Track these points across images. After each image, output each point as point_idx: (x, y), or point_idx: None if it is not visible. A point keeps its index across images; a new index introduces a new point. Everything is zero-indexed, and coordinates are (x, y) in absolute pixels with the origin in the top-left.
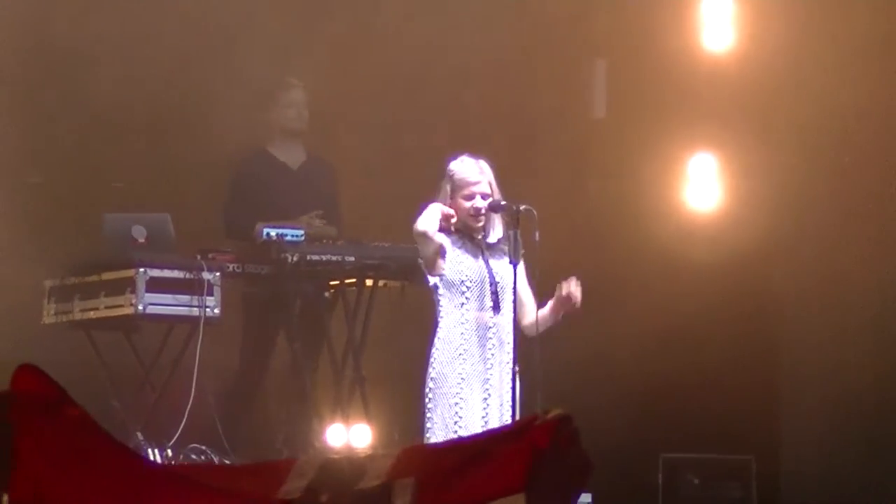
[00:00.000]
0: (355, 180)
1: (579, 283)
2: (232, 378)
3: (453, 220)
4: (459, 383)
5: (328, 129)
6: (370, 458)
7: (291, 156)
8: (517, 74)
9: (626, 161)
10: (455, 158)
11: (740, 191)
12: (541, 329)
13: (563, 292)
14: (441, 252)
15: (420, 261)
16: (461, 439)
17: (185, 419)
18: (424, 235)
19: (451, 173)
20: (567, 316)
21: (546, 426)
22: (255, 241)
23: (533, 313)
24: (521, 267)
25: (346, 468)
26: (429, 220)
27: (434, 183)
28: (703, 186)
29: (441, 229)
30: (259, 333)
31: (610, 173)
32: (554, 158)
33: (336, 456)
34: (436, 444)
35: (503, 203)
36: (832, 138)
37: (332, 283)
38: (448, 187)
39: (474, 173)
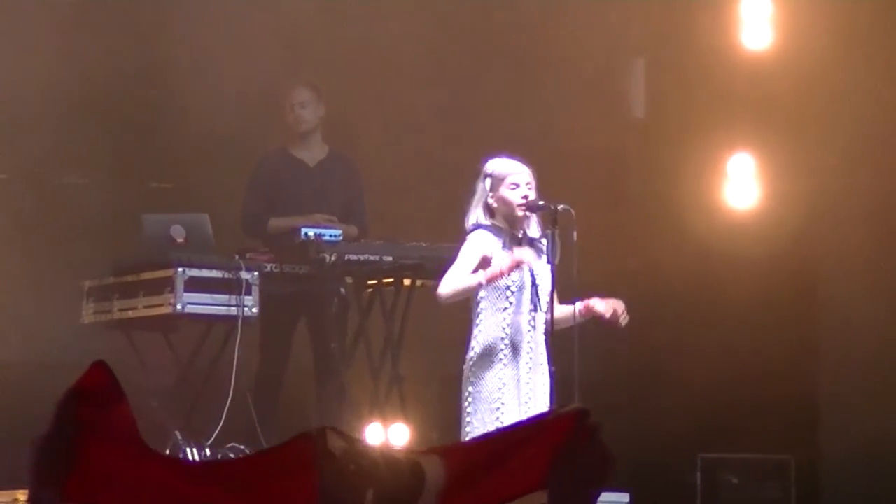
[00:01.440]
0: (391, 180)
1: (625, 310)
2: (254, 377)
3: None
4: (500, 388)
5: (359, 127)
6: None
7: (310, 153)
8: (557, 73)
9: (665, 160)
10: (489, 159)
11: (779, 190)
12: (556, 327)
13: (607, 315)
14: (489, 260)
15: None
16: (485, 436)
17: (223, 419)
18: (442, 299)
19: (488, 170)
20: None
21: (563, 421)
22: (268, 238)
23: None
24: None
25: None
26: (454, 290)
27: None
28: (741, 185)
29: (487, 227)
30: (277, 331)
31: (649, 173)
32: (593, 158)
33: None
34: (462, 443)
35: (541, 203)
36: (872, 137)
37: (369, 282)
38: (487, 184)
39: (516, 166)
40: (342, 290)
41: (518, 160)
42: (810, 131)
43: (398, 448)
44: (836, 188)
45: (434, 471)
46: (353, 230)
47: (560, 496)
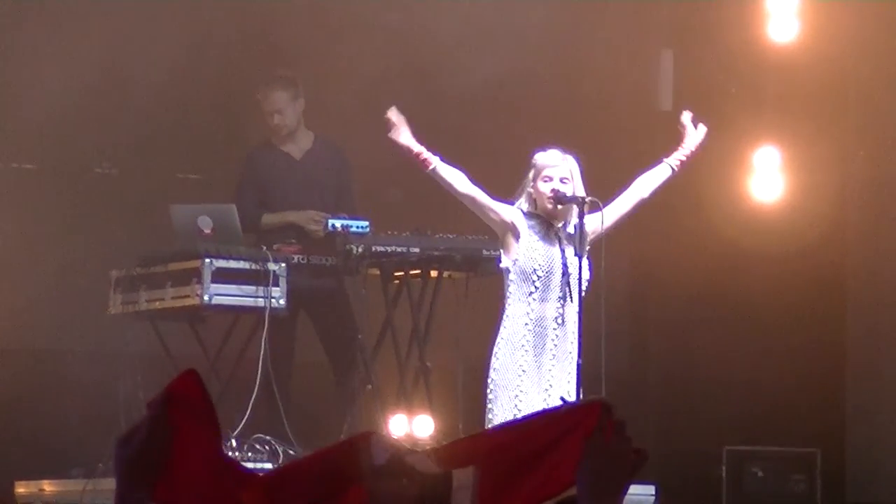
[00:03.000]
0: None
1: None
2: (309, 371)
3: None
4: (520, 375)
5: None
6: (438, 448)
7: (296, 145)
8: (585, 66)
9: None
10: (541, 150)
11: (805, 183)
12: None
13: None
14: (515, 233)
15: (486, 252)
16: (513, 427)
17: (249, 410)
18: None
19: (534, 161)
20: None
21: (588, 415)
22: (262, 233)
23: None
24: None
25: (413, 457)
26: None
27: (504, 176)
28: (767, 179)
29: (524, 212)
30: (283, 323)
31: None
32: (620, 150)
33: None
34: (492, 434)
35: (568, 195)
36: None
37: (396, 274)
38: (531, 174)
39: (555, 159)
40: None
41: (562, 152)
42: (837, 124)
43: (432, 456)
44: (863, 181)
45: (465, 479)
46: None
47: (588, 492)
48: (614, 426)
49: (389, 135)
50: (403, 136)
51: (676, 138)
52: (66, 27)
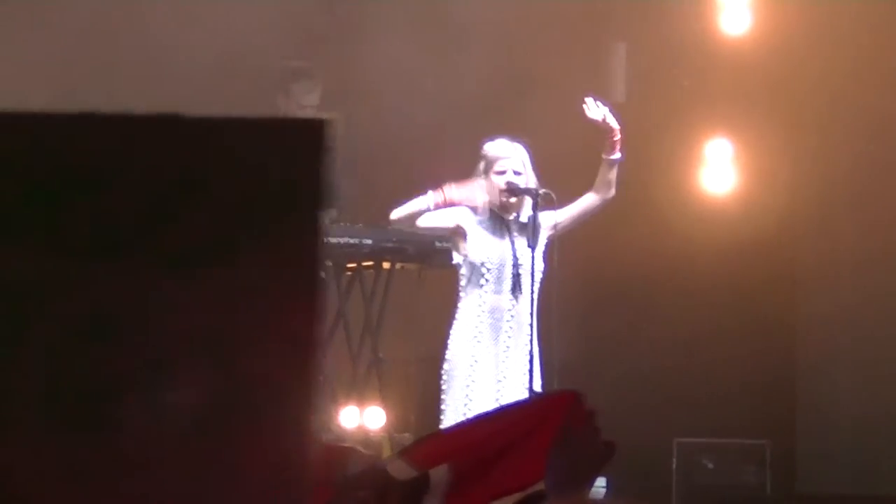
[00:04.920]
0: (377, 165)
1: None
2: None
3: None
4: (472, 365)
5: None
6: (408, 448)
7: None
8: (536, 58)
9: (643, 145)
10: (490, 140)
11: (756, 175)
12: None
13: (600, 118)
14: (462, 234)
15: (438, 244)
16: (487, 420)
17: None
18: (399, 223)
19: (484, 152)
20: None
21: (560, 406)
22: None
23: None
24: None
25: (389, 464)
26: (400, 212)
27: (453, 165)
28: (719, 170)
29: (473, 207)
30: None
31: (628, 157)
32: (573, 142)
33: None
34: (466, 429)
35: (522, 187)
36: (852, 122)
37: (349, 265)
38: (482, 165)
39: (506, 150)
40: (358, 277)
41: (512, 142)
42: (788, 116)
43: (406, 458)
44: (814, 172)
45: (440, 477)
46: (333, 213)
47: (556, 484)
48: (585, 418)
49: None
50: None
51: (632, 137)
52: None
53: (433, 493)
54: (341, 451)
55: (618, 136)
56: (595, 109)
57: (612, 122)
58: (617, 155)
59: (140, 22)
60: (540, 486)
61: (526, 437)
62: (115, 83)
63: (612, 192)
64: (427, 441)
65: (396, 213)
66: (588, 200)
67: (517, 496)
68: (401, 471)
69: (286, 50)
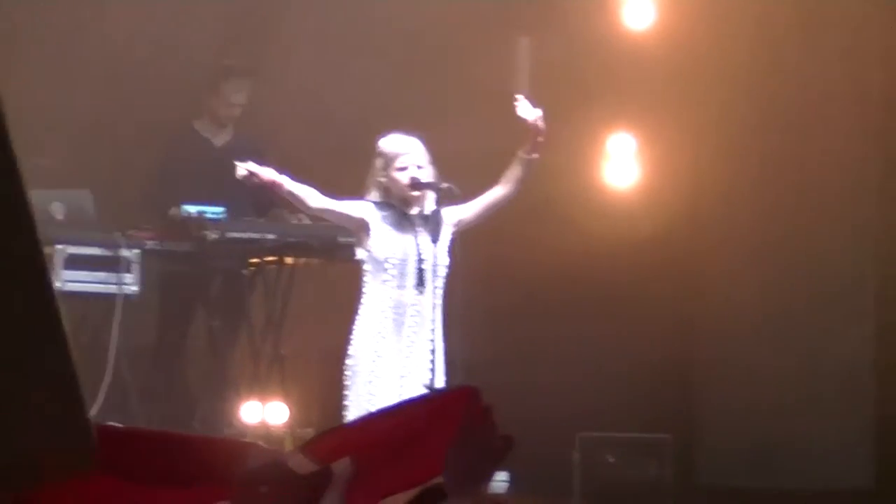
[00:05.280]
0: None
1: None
2: (149, 356)
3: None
4: (374, 361)
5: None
6: (308, 443)
7: (218, 133)
8: (440, 51)
9: (547, 139)
10: (384, 136)
11: (659, 169)
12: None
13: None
14: (366, 228)
15: (341, 239)
16: (387, 415)
17: (101, 397)
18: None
19: (380, 149)
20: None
21: (457, 402)
22: (172, 219)
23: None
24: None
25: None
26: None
27: (363, 168)
28: (622, 165)
29: (375, 202)
30: (176, 311)
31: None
32: (476, 136)
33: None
34: (366, 423)
35: (426, 181)
36: (755, 118)
37: (252, 260)
38: (380, 163)
39: (406, 145)
40: (244, 270)
41: (411, 137)
42: (691, 111)
43: (306, 453)
44: (716, 168)
45: (342, 471)
46: (283, 216)
47: (455, 479)
48: (482, 413)
49: (253, 179)
50: (266, 173)
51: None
52: None
53: (334, 486)
54: (241, 447)
55: (542, 139)
56: (527, 109)
57: (541, 122)
58: (535, 155)
59: (70, 17)
60: (438, 481)
61: (425, 432)
62: (41, 74)
63: (518, 188)
64: (328, 435)
65: (314, 203)
66: (494, 195)
67: (415, 491)
68: (301, 465)
69: (220, 46)
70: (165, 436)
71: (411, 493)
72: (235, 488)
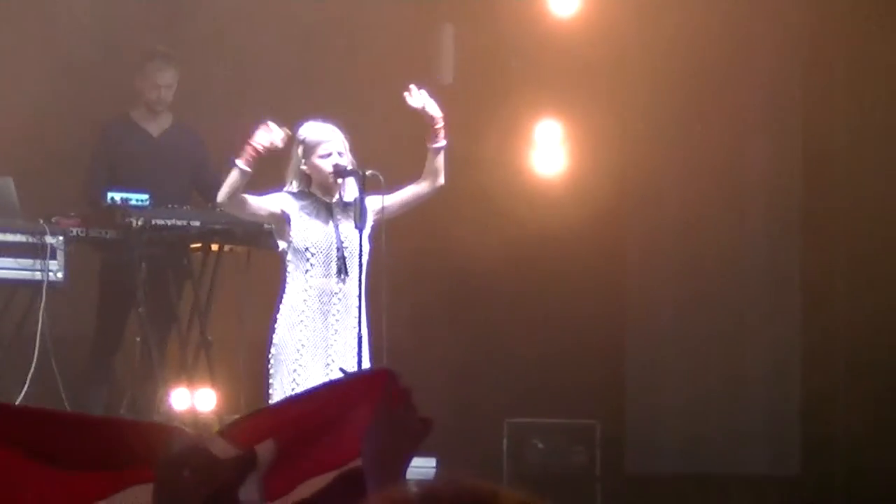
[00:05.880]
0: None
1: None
2: (87, 344)
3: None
4: (299, 350)
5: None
6: (229, 427)
7: (154, 123)
8: (364, 38)
9: (472, 126)
10: (302, 124)
11: (586, 156)
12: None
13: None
14: (286, 220)
15: (266, 226)
16: (303, 399)
17: (27, 384)
18: (225, 206)
19: (300, 137)
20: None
21: (374, 384)
22: (97, 206)
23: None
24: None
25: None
26: (222, 192)
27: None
28: (548, 152)
29: (293, 193)
30: (114, 299)
31: (457, 138)
32: (398, 124)
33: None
34: (283, 407)
35: (349, 168)
36: (682, 106)
37: (193, 245)
38: (300, 151)
39: (326, 133)
40: (185, 260)
41: (331, 124)
42: (616, 97)
43: (227, 437)
44: (642, 154)
45: (266, 455)
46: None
47: (373, 461)
48: (400, 395)
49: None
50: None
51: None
52: None
53: (259, 471)
54: (163, 431)
55: (440, 124)
56: (416, 97)
57: (433, 111)
58: (441, 143)
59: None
60: (357, 464)
61: (343, 415)
62: None
63: (441, 179)
64: (247, 419)
65: (221, 196)
66: (415, 188)
67: (334, 473)
68: (223, 450)
69: (147, 33)
70: (85, 418)
71: (329, 477)
72: (157, 472)
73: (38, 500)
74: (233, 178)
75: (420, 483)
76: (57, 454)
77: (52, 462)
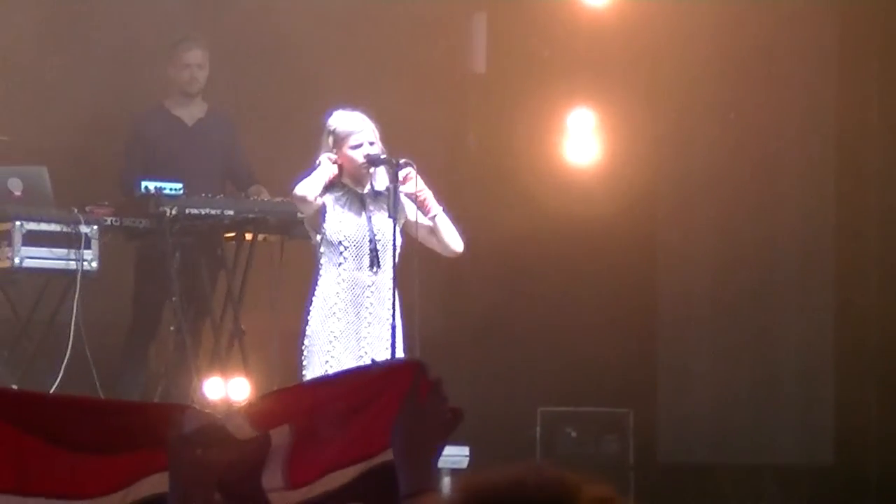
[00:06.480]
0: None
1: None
2: (121, 333)
3: (334, 174)
4: (331, 342)
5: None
6: (250, 405)
7: (188, 111)
8: (397, 27)
9: (505, 115)
10: (332, 113)
11: (618, 145)
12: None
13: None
14: (321, 211)
15: (300, 215)
16: (327, 383)
17: (61, 373)
18: (304, 200)
19: (331, 127)
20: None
21: (401, 376)
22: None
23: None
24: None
25: (227, 421)
26: (310, 186)
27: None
28: (581, 141)
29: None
30: (149, 288)
31: (490, 127)
32: (434, 113)
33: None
34: (306, 390)
35: (382, 157)
36: (713, 95)
37: (228, 235)
38: (330, 140)
39: (357, 123)
40: (219, 249)
41: (361, 113)
42: (649, 86)
43: (246, 417)
44: (675, 144)
45: (281, 440)
46: (263, 191)
47: (403, 453)
48: (429, 386)
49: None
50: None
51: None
52: None
53: (274, 455)
54: (176, 410)
55: (423, 197)
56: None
57: (408, 188)
58: (433, 213)
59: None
60: (387, 457)
61: (367, 405)
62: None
63: (454, 248)
64: (267, 399)
65: (303, 189)
66: (432, 244)
67: (361, 467)
68: (240, 429)
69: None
70: (98, 402)
71: (357, 469)
72: (169, 450)
73: (68, 485)
74: (324, 175)
75: (502, 471)
76: (70, 437)
77: (77, 448)
